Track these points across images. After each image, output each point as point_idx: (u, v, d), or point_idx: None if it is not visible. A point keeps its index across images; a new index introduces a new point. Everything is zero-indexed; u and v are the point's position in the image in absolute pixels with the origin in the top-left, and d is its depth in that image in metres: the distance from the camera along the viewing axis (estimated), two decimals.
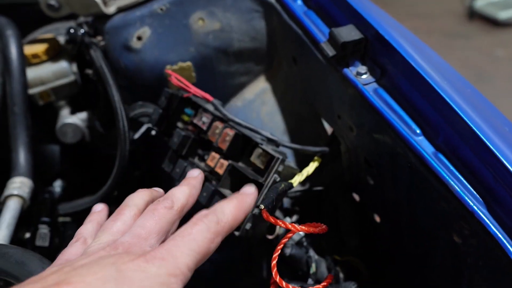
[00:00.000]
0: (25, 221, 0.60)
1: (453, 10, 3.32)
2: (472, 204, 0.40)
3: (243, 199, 0.44)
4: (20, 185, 0.60)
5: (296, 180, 0.54)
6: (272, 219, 0.43)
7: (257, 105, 0.75)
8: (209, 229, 0.37)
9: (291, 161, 0.70)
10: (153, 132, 0.70)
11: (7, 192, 0.59)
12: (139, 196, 0.43)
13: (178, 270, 0.33)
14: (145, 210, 0.40)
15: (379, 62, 0.52)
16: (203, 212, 0.39)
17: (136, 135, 0.69)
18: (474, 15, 3.25)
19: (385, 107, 0.49)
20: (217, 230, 0.38)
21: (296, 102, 0.74)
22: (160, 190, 0.47)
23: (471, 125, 0.41)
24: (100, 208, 0.46)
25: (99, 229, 0.41)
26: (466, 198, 0.41)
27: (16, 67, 0.65)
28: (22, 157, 0.63)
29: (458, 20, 3.23)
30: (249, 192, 0.46)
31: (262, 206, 0.44)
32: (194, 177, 0.48)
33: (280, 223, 0.43)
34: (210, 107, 0.62)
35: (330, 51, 0.53)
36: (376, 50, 0.52)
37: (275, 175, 0.53)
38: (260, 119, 0.74)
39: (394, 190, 0.55)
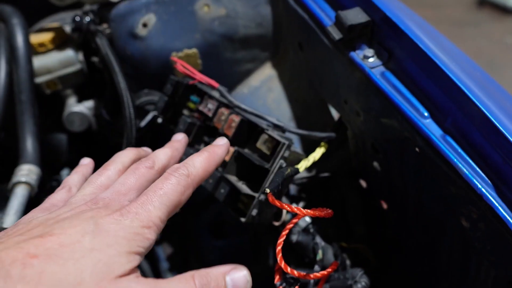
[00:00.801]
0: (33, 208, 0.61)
1: None
2: (480, 187, 0.40)
3: (214, 151, 0.45)
4: (27, 172, 0.60)
5: (302, 165, 0.54)
6: (277, 203, 0.43)
7: (264, 92, 0.74)
8: (180, 182, 0.39)
9: (297, 147, 0.70)
10: (159, 120, 0.70)
11: (15, 179, 0.59)
12: (126, 154, 0.46)
13: (151, 222, 0.35)
14: (128, 169, 0.43)
15: (386, 45, 0.51)
16: (175, 166, 0.41)
17: (143, 123, 0.69)
18: (484, 3, 3.20)
19: (392, 90, 0.48)
20: (187, 183, 0.40)
21: (302, 89, 0.73)
22: (148, 150, 0.51)
23: (480, 106, 0.40)
24: (87, 162, 0.50)
25: (84, 180, 0.46)
26: (474, 180, 0.40)
27: (22, 55, 0.65)
28: (29, 144, 0.63)
29: (468, 8, 3.18)
30: (220, 143, 0.47)
31: (268, 190, 0.44)
32: (178, 140, 0.51)
33: (286, 206, 0.43)
34: (215, 94, 0.61)
35: (336, 35, 0.52)
36: (383, 33, 0.51)
37: (281, 161, 0.52)
38: (267, 106, 0.74)
39: (401, 176, 0.55)
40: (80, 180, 0.46)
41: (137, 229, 0.34)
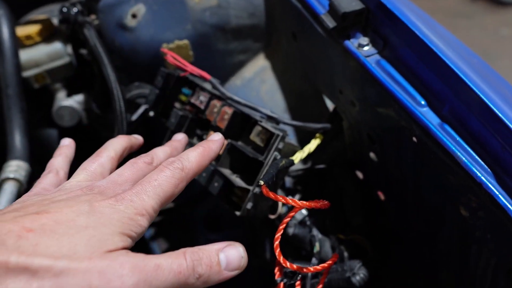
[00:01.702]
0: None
1: None
2: (480, 175, 0.39)
3: (209, 146, 0.46)
4: (16, 168, 0.59)
5: (297, 157, 0.53)
6: (271, 195, 0.42)
7: (257, 84, 0.73)
8: (174, 175, 0.40)
9: (292, 139, 0.69)
10: (151, 113, 0.69)
11: (3, 175, 0.58)
12: (118, 141, 0.47)
13: (144, 210, 0.36)
14: (126, 162, 0.43)
15: (381, 33, 0.50)
16: (170, 159, 0.42)
17: (134, 117, 0.68)
18: None
19: (388, 79, 0.47)
20: (181, 176, 0.41)
21: (296, 80, 0.72)
22: (139, 137, 0.51)
23: (478, 92, 0.39)
24: (67, 142, 0.50)
25: (67, 162, 0.47)
26: (473, 169, 0.39)
27: (8, 48, 0.63)
28: (17, 140, 0.61)
29: (462, 0, 3.18)
30: (215, 138, 0.48)
31: (261, 182, 0.43)
32: (178, 140, 0.51)
33: (281, 198, 0.42)
34: (207, 86, 0.60)
35: (330, 23, 0.51)
36: (378, 21, 0.50)
37: (276, 153, 0.51)
38: (260, 98, 0.72)
39: (398, 166, 0.54)
40: (64, 162, 0.47)
41: (131, 215, 0.35)
